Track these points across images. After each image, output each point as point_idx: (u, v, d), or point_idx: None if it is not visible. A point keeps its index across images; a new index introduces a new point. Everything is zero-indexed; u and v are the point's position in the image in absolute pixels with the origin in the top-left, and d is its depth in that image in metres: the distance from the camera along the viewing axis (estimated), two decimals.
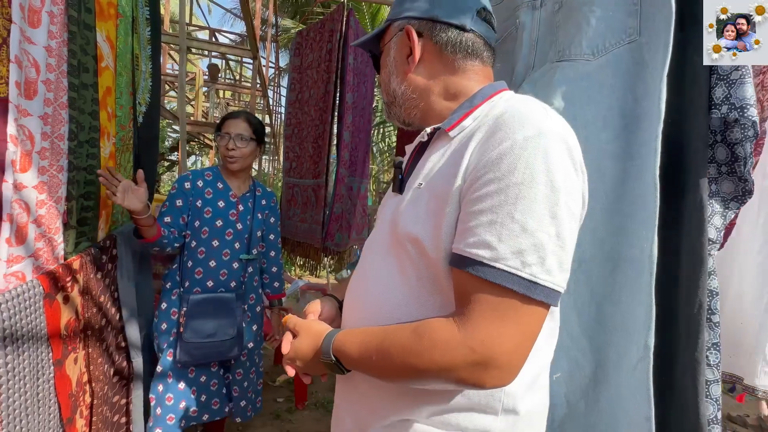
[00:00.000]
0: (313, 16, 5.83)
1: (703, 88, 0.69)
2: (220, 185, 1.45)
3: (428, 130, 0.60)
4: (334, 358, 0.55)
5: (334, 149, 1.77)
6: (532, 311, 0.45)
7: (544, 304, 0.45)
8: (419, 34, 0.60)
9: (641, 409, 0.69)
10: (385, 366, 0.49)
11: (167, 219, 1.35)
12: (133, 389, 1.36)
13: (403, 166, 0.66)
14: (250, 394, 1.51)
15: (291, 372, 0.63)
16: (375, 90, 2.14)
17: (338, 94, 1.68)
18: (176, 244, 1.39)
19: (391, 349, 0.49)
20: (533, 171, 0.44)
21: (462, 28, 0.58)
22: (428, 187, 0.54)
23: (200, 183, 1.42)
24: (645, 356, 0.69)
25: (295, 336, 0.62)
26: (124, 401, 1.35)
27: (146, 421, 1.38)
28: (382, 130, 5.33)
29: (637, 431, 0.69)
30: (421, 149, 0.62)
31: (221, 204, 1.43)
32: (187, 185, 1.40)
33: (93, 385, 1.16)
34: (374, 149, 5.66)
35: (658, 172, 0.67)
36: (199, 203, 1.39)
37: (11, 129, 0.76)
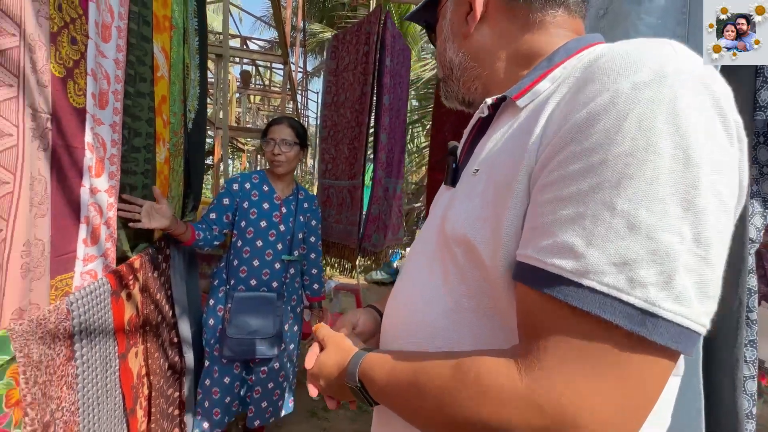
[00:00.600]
0: (341, 22, 5.90)
1: (748, 91, 0.69)
2: (265, 188, 1.50)
3: (489, 101, 0.44)
4: (359, 384, 0.44)
5: (369, 151, 1.79)
6: (649, 362, 0.28)
7: (669, 351, 0.28)
8: None
9: (693, 402, 0.70)
10: (416, 408, 0.37)
11: (212, 215, 1.42)
12: (185, 383, 1.43)
13: (458, 152, 0.52)
14: (276, 396, 1.53)
15: (313, 392, 0.53)
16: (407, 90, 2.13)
17: (374, 96, 1.69)
18: (216, 243, 1.45)
19: (426, 386, 0.36)
20: (651, 133, 0.28)
21: None
22: (486, 172, 0.41)
23: (247, 185, 1.48)
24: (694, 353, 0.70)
25: (322, 349, 0.52)
26: (177, 394, 1.42)
27: (194, 414, 1.44)
28: (411, 130, 5.33)
29: (687, 423, 0.70)
30: (482, 129, 0.48)
31: (266, 206, 1.48)
32: (235, 187, 1.46)
33: (151, 378, 1.23)
34: None
35: None
36: (245, 204, 1.45)
37: (88, 137, 0.82)
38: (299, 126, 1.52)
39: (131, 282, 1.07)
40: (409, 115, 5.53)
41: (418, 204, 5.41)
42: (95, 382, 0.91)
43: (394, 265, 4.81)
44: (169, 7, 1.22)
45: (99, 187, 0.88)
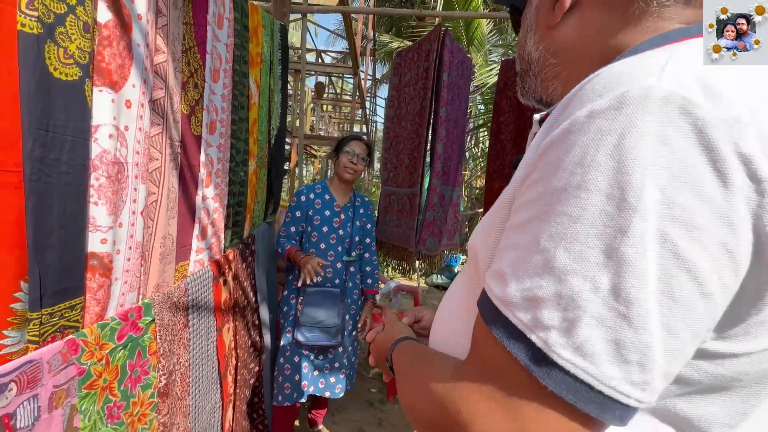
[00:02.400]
0: (409, 31, 6.08)
1: None
2: (327, 197, 1.71)
3: (537, 117, 0.40)
4: (390, 362, 0.51)
5: (428, 159, 1.90)
6: (545, 412, 0.26)
7: (576, 411, 0.26)
8: None
9: None
10: (400, 393, 0.42)
11: (293, 229, 1.65)
12: (263, 359, 1.68)
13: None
14: (343, 374, 1.71)
15: (372, 361, 0.61)
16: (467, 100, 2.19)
17: (433, 110, 1.80)
18: None
19: (407, 378, 0.42)
20: (588, 169, 0.25)
21: None
22: (506, 189, 0.40)
23: (312, 195, 1.69)
24: None
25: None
26: (257, 368, 1.68)
27: (271, 388, 1.68)
28: (476, 135, 5.29)
29: None
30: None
31: (327, 213, 1.68)
32: (303, 198, 1.68)
33: (238, 351, 1.48)
34: (467, 155, 5.63)
35: None
36: (310, 212, 1.67)
37: (202, 157, 1.07)
38: (370, 146, 1.72)
39: (227, 270, 1.33)
40: (474, 119, 5.48)
41: (482, 209, 5.34)
42: (201, 346, 1.16)
43: (455, 269, 4.82)
44: (260, 45, 1.48)
45: (207, 195, 1.13)
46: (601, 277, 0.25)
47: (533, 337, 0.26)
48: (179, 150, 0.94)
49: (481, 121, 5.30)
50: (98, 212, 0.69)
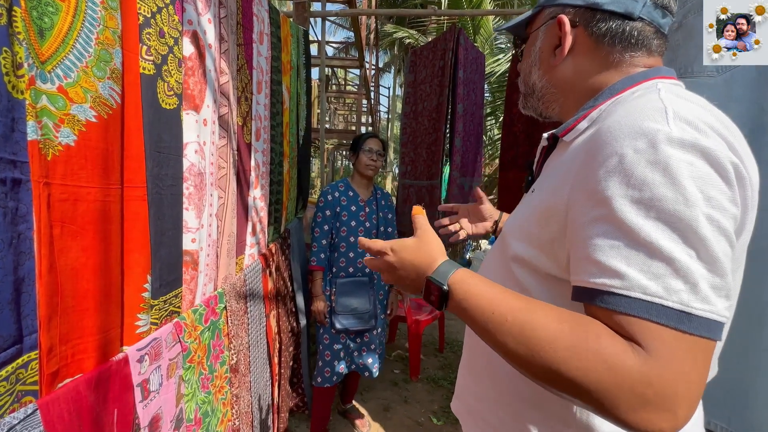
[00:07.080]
0: (413, 21, 6.09)
1: None
2: (351, 193, 1.82)
3: (545, 135, 0.56)
4: (447, 288, 0.45)
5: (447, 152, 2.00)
6: (687, 349, 0.36)
7: (698, 337, 0.37)
8: (573, 24, 0.52)
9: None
10: (521, 344, 0.39)
11: (324, 242, 1.76)
12: (300, 343, 1.83)
13: (534, 166, 0.64)
14: (377, 354, 1.86)
15: (390, 278, 0.52)
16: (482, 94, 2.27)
17: (450, 106, 1.90)
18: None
19: (537, 331, 0.39)
20: (652, 185, 0.37)
21: (629, 17, 0.49)
22: (538, 194, 0.51)
23: (336, 194, 1.81)
24: None
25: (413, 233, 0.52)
26: (295, 351, 1.83)
27: (308, 369, 1.83)
28: (484, 123, 5.36)
29: None
30: (548, 151, 0.58)
31: (353, 208, 1.80)
32: (330, 197, 1.80)
33: (281, 335, 1.63)
34: None
35: None
36: (338, 209, 1.79)
37: (252, 162, 1.19)
38: (384, 142, 1.83)
39: (271, 263, 1.47)
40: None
41: (491, 197, 5.42)
42: (256, 330, 1.30)
43: (467, 256, 4.94)
44: (290, 54, 1.58)
45: (256, 196, 1.26)
46: (694, 249, 0.36)
47: (669, 303, 0.35)
48: (236, 157, 1.07)
49: (488, 110, 5.34)
50: (189, 216, 0.82)
